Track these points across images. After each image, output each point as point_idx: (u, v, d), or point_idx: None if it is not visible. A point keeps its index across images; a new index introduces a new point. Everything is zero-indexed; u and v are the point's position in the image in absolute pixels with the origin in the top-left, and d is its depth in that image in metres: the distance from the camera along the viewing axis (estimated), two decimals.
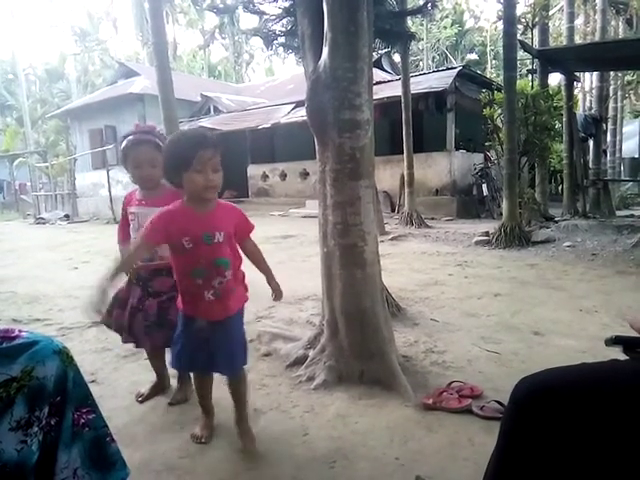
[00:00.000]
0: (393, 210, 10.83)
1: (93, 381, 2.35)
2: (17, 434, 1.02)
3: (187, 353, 1.66)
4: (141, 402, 2.13)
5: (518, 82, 7.36)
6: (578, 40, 13.85)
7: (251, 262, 1.79)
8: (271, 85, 19.57)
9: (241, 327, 1.74)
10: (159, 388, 2.23)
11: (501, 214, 6.95)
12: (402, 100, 8.63)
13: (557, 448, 0.85)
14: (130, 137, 2.01)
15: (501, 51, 7.24)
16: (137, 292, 2.06)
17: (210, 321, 1.64)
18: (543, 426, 0.87)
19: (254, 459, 1.66)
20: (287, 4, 3.36)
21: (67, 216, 15.10)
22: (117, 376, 2.50)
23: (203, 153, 1.51)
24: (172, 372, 2.24)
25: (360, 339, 2.26)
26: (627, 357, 1.02)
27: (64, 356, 1.12)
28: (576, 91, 13.77)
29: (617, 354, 1.03)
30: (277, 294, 1.83)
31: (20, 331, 1.13)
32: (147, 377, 2.45)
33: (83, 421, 1.14)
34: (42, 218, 14.69)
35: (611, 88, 13.52)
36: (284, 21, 3.45)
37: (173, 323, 1.84)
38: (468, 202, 10.67)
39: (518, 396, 0.94)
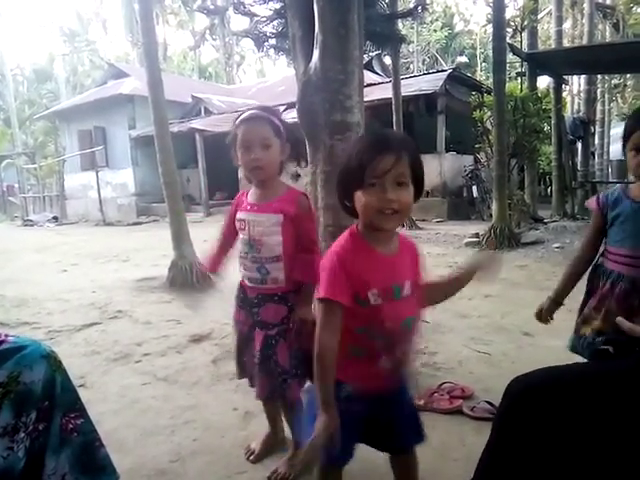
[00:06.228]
0: None
1: (82, 385, 2.32)
2: (3, 440, 1.01)
3: (343, 439, 1.13)
4: (253, 462, 1.71)
5: (507, 85, 7.42)
6: (566, 43, 14.00)
7: None
8: (262, 87, 19.52)
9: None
10: (272, 442, 1.78)
11: (491, 215, 7.00)
12: (393, 102, 8.67)
13: (547, 444, 0.87)
14: (241, 116, 1.55)
15: (490, 54, 7.29)
16: (248, 319, 1.61)
17: (378, 395, 1.19)
18: (534, 423, 0.89)
19: None
20: (278, 6, 3.37)
21: (56, 218, 14.92)
22: (106, 380, 2.47)
23: (380, 161, 1.06)
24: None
25: None
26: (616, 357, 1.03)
27: (52, 360, 1.11)
28: (564, 94, 13.96)
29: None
30: None
31: (7, 336, 1.11)
32: (137, 381, 2.43)
33: (71, 426, 1.12)
34: (30, 220, 14.52)
35: (599, 91, 13.69)
36: (275, 23, 3.45)
37: (281, 370, 1.49)
38: (458, 204, 10.73)
39: (511, 394, 0.95)
